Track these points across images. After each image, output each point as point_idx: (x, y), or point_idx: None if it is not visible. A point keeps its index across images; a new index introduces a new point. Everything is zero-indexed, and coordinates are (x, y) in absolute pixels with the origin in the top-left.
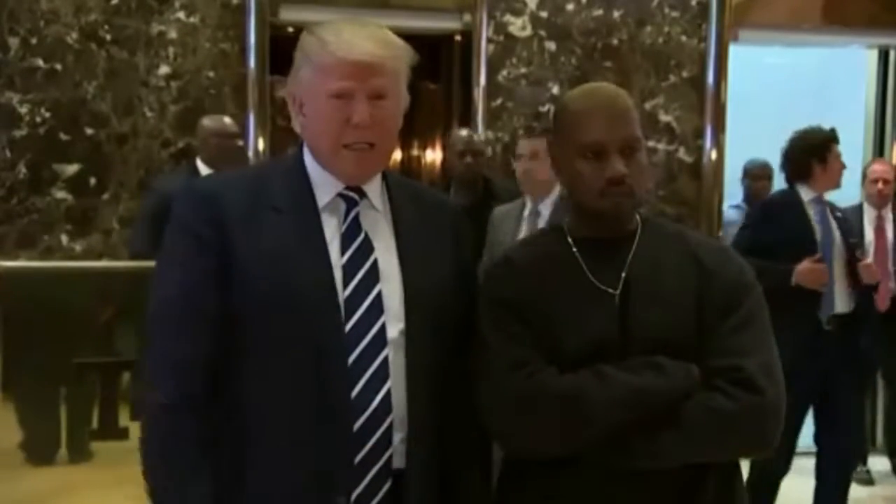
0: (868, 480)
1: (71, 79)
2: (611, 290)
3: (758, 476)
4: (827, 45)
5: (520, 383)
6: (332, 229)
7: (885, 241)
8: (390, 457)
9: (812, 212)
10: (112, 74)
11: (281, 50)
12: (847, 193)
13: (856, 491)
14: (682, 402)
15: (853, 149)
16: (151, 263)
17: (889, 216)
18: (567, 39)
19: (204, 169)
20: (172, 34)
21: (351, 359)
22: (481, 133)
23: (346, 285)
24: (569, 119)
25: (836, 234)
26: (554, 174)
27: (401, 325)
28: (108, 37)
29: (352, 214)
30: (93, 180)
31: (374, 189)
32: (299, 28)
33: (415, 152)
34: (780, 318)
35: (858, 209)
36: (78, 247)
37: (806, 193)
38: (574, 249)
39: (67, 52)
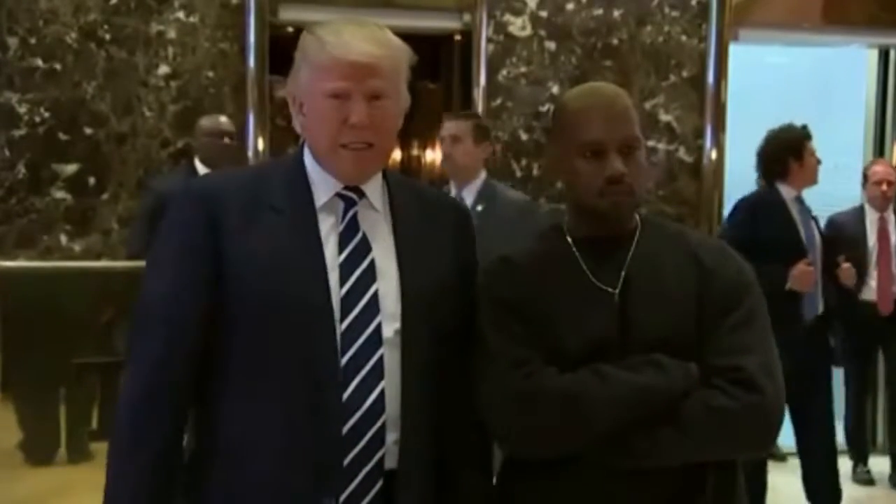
0: (868, 481)
1: (70, 78)
2: (610, 290)
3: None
4: (827, 44)
5: (520, 383)
6: (328, 229)
7: (889, 243)
8: (382, 457)
9: (794, 211)
10: (111, 74)
11: (280, 50)
12: (847, 194)
13: (856, 491)
14: (682, 401)
15: (853, 149)
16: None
17: (892, 218)
18: (567, 39)
19: (202, 168)
20: (172, 34)
21: (344, 359)
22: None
23: (342, 285)
24: (568, 118)
25: (817, 234)
26: (476, 160)
27: (396, 325)
28: (108, 36)
29: (349, 214)
30: (92, 180)
31: (374, 189)
32: (299, 28)
33: (414, 152)
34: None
35: (860, 211)
36: (77, 247)
37: (786, 192)
38: (573, 249)
39: (66, 51)
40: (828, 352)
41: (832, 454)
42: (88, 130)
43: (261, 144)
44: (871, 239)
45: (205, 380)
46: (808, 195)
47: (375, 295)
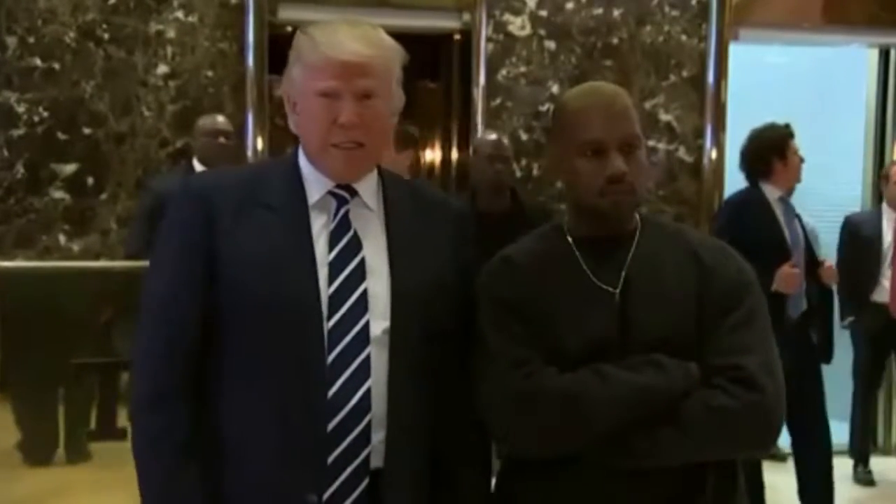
0: (868, 481)
1: (69, 78)
2: (611, 289)
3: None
4: (827, 44)
5: (519, 382)
6: (320, 227)
7: None
8: (368, 456)
9: (779, 212)
10: (110, 74)
11: (279, 49)
12: (847, 193)
13: (856, 491)
14: (682, 401)
15: (853, 149)
16: (148, 263)
17: None
18: (567, 38)
19: (200, 168)
20: (171, 33)
21: (331, 357)
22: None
23: (330, 282)
24: (568, 118)
25: (801, 234)
26: (400, 167)
27: (385, 324)
28: (106, 36)
29: (341, 212)
30: (90, 180)
31: (368, 187)
32: (298, 27)
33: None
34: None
35: (877, 211)
36: (76, 247)
37: (770, 192)
38: (574, 248)
39: (65, 51)
40: (813, 349)
41: (827, 455)
42: (87, 130)
43: (260, 144)
44: (888, 239)
45: (203, 378)
46: (808, 195)
47: (364, 293)
